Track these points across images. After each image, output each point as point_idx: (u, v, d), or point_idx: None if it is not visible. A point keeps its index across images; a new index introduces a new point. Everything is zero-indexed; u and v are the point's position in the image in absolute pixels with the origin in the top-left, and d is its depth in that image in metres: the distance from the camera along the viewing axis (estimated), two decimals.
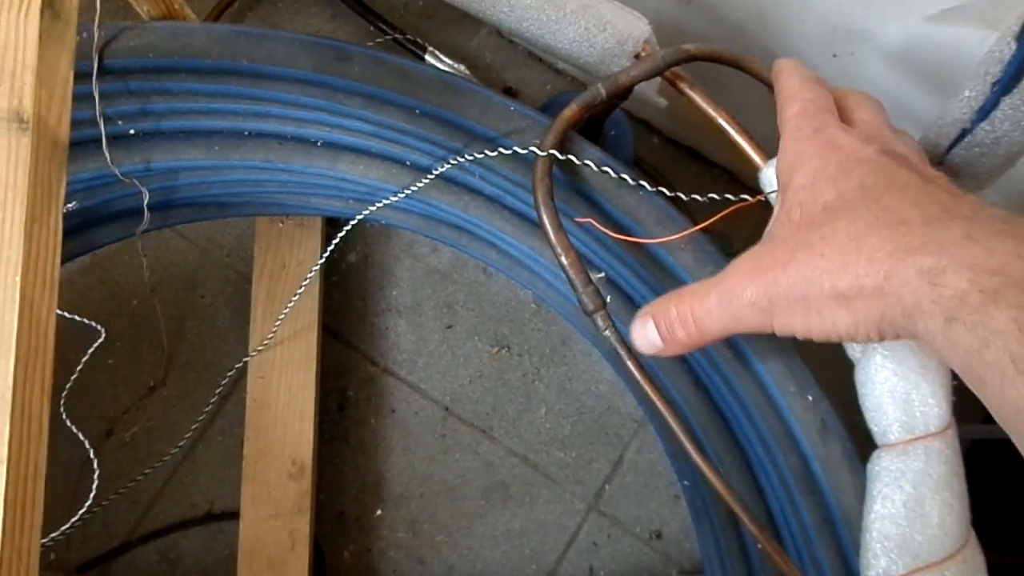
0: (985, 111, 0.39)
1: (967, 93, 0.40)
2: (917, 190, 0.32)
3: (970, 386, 0.28)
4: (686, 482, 0.57)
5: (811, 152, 0.36)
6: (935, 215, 0.30)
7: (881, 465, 0.42)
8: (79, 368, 0.60)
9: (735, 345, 0.47)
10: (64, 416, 0.61)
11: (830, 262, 0.31)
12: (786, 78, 0.41)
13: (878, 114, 0.39)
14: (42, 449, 0.29)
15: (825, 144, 0.36)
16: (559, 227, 0.42)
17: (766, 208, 0.46)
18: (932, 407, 0.41)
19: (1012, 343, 0.25)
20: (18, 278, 0.29)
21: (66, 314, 0.58)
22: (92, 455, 0.62)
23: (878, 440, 0.43)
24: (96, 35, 0.47)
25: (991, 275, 0.26)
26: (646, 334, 0.39)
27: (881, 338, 0.32)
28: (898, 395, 0.42)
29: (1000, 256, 0.27)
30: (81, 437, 0.61)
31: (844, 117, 0.39)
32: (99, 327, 0.60)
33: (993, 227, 0.29)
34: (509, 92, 0.85)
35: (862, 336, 0.32)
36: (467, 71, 0.78)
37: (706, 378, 0.50)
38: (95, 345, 0.59)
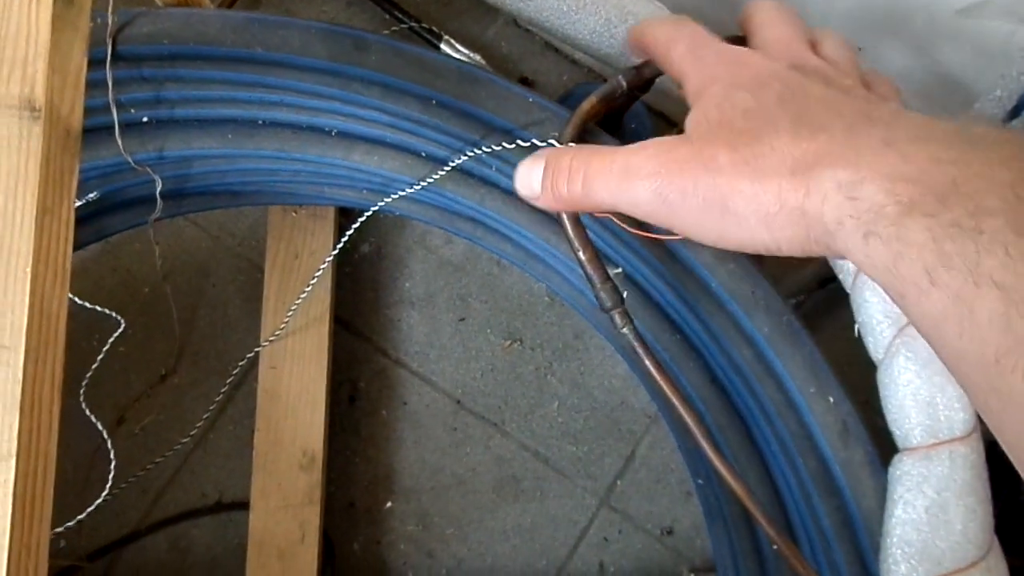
0: (1017, 110, 0.38)
1: (998, 93, 0.39)
2: (837, 101, 0.31)
3: (894, 302, 0.28)
4: (699, 480, 0.56)
5: (721, 71, 0.34)
6: (855, 122, 0.29)
7: (903, 469, 0.41)
8: (100, 357, 0.60)
9: (755, 344, 0.46)
10: (83, 405, 0.61)
11: (755, 172, 0.30)
12: (654, 29, 0.38)
13: (787, 28, 0.37)
14: (52, 443, 0.29)
15: (733, 62, 0.34)
16: (578, 222, 0.41)
17: None
18: (958, 411, 0.40)
19: (926, 254, 0.24)
20: (29, 269, 0.28)
21: (87, 304, 0.58)
22: (109, 444, 0.61)
23: (900, 444, 0.42)
24: (110, 21, 0.46)
25: (908, 183, 0.25)
26: (530, 177, 0.37)
27: (804, 253, 0.31)
28: (922, 398, 0.41)
29: (917, 162, 0.26)
30: (100, 427, 0.60)
31: (749, 44, 0.37)
32: (118, 317, 0.59)
33: (912, 131, 0.28)
34: (525, 83, 0.84)
35: (784, 251, 0.31)
36: (483, 61, 0.77)
37: (723, 376, 0.50)
38: (115, 335, 0.59)
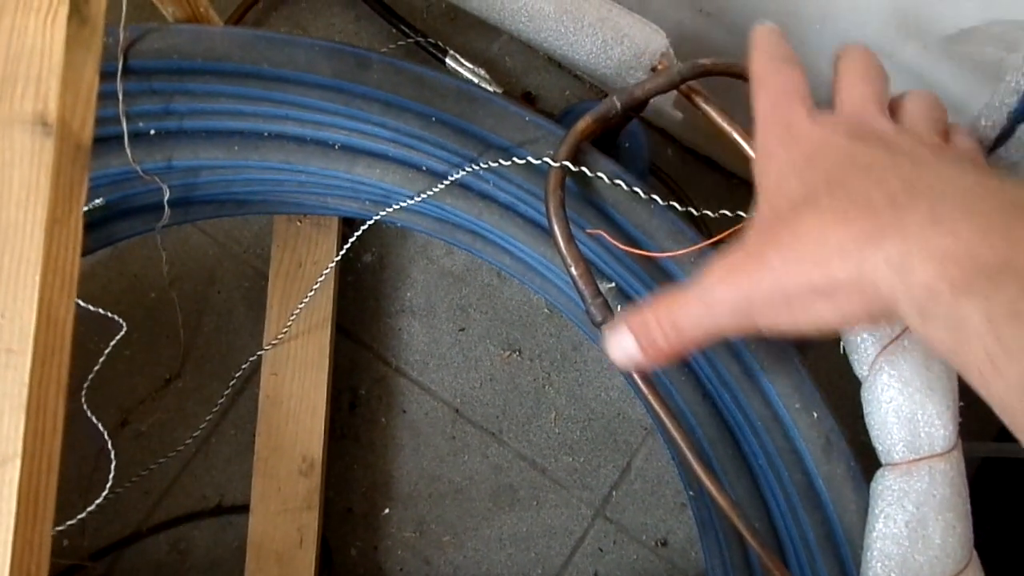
0: (1001, 139, 0.39)
1: (983, 122, 0.40)
2: (881, 167, 0.31)
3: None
4: (692, 492, 0.57)
5: (778, 148, 0.35)
6: (899, 192, 0.29)
7: (884, 484, 0.42)
8: (101, 360, 0.61)
9: (743, 360, 0.47)
10: (85, 406, 0.62)
11: (802, 257, 0.30)
12: (756, 59, 0.38)
13: (867, 88, 0.36)
14: (57, 444, 0.30)
15: (793, 139, 0.34)
16: (570, 239, 0.43)
17: None
18: (938, 428, 0.41)
19: (987, 340, 0.24)
20: (38, 277, 0.29)
21: (90, 307, 0.59)
22: (110, 445, 0.63)
23: (882, 459, 0.43)
24: (121, 36, 0.48)
25: (958, 264, 0.25)
26: (622, 345, 0.37)
27: (875, 323, 0.31)
28: (903, 415, 0.42)
29: (966, 239, 0.25)
30: (101, 427, 0.62)
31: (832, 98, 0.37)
32: (121, 320, 0.61)
33: (960, 203, 0.27)
34: (528, 97, 0.86)
35: (855, 324, 0.31)
36: (486, 75, 0.79)
37: (714, 392, 0.51)
38: (116, 338, 0.60)
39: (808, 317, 0.32)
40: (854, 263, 0.28)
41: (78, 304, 0.56)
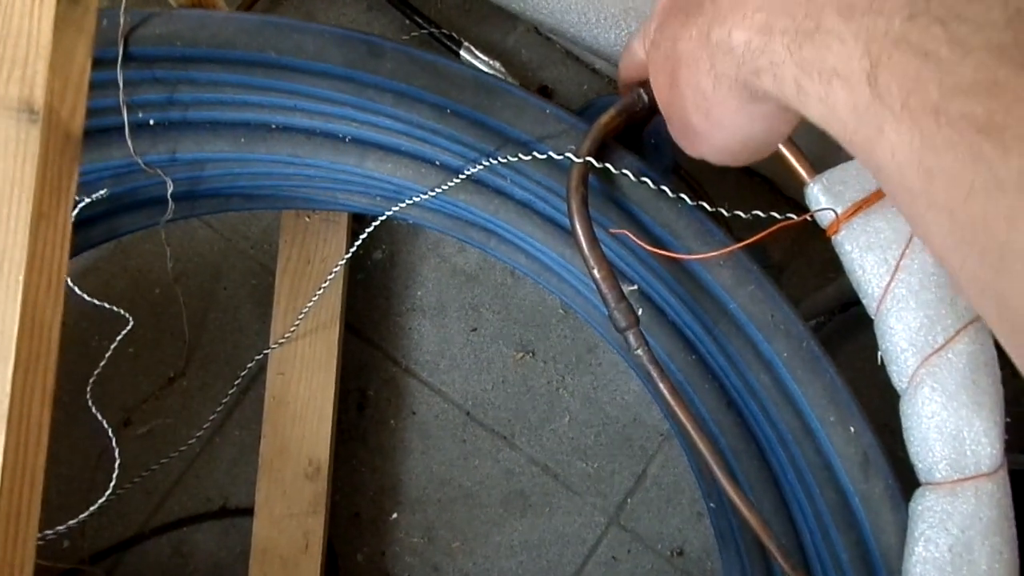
0: None
1: None
2: None
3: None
4: (712, 504, 0.55)
5: None
6: None
7: (925, 505, 0.40)
8: (107, 356, 0.59)
9: (773, 368, 0.45)
10: (90, 404, 0.60)
11: (675, 70, 0.34)
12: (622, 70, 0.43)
13: None
14: (41, 458, 0.28)
15: None
16: (593, 239, 0.40)
17: (809, 223, 0.43)
18: (984, 446, 0.39)
19: (792, 68, 0.26)
20: (22, 277, 0.27)
21: (95, 301, 0.57)
22: (114, 443, 0.61)
23: (922, 477, 0.41)
24: (122, 20, 0.46)
25: (756, 10, 0.28)
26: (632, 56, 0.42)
27: (753, 103, 0.33)
28: (947, 431, 0.39)
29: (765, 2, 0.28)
30: (105, 424, 0.60)
31: None
32: (127, 315, 0.59)
33: None
34: (544, 91, 0.83)
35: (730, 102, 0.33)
36: (502, 68, 0.76)
37: (740, 401, 0.48)
38: (123, 333, 0.58)
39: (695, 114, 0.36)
40: (708, 62, 0.32)
41: (80, 298, 0.54)
